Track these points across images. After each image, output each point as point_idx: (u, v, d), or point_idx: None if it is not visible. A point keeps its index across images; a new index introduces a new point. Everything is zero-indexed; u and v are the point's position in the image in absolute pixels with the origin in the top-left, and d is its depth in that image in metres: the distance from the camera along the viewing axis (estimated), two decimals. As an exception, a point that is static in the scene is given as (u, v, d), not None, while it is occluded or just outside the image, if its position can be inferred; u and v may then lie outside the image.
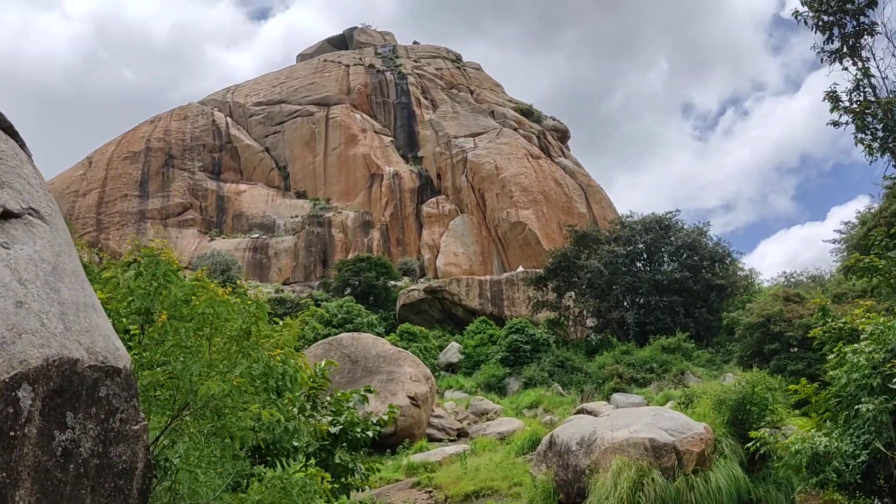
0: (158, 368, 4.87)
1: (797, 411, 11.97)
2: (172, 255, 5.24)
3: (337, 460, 7.66)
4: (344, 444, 8.12)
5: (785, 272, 50.41)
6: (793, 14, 17.15)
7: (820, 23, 16.91)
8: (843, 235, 35.65)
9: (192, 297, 5.10)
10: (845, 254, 33.52)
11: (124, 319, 5.63)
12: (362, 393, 8.37)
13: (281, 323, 6.44)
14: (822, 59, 17.28)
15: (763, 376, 11.60)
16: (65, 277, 3.94)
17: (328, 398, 8.15)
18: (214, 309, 4.78)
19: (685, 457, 10.73)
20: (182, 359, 4.72)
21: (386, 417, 8.21)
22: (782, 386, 11.95)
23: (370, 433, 8.04)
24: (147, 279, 5.18)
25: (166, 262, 5.17)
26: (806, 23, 17.11)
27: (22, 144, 4.20)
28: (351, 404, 8.25)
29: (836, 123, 17.16)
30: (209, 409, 5.12)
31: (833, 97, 16.78)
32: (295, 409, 6.56)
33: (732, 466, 10.64)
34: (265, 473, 6.45)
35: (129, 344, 5.34)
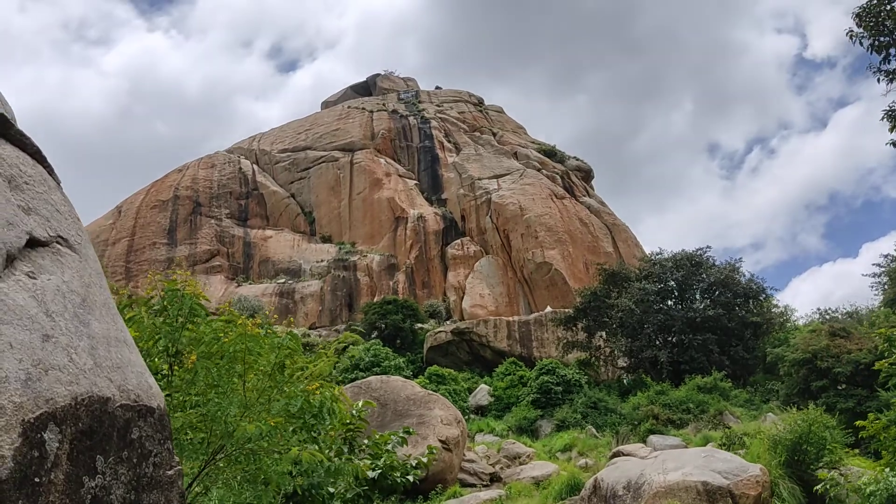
0: (191, 410, 4.58)
1: (855, 451, 11.36)
2: (197, 286, 4.99)
3: (375, 507, 7.29)
4: (381, 490, 7.76)
5: (819, 309, 49.34)
6: (846, 33, 17.07)
7: (876, 43, 16.89)
8: (883, 269, 34.75)
9: (221, 334, 4.84)
10: (887, 286, 32.62)
11: (155, 359, 5.38)
12: (401, 434, 8.02)
13: (314, 355, 6.13)
14: (878, 80, 17.21)
15: (819, 413, 11.00)
16: (95, 310, 3.69)
17: (365, 441, 7.80)
18: (245, 344, 4.50)
19: (741, 501, 10.12)
20: (217, 399, 4.42)
21: (425, 460, 7.82)
22: (837, 425, 11.36)
23: (410, 478, 7.66)
24: (173, 314, 4.93)
25: (191, 295, 4.91)
26: (861, 43, 17.06)
27: (51, 171, 4.00)
28: (389, 447, 7.89)
29: (895, 143, 16.91)
30: (244, 452, 4.81)
31: (892, 116, 16.54)
32: (332, 453, 6.22)
33: (791, 510, 10.05)
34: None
35: (161, 384, 5.08)
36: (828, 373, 20.77)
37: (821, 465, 10.94)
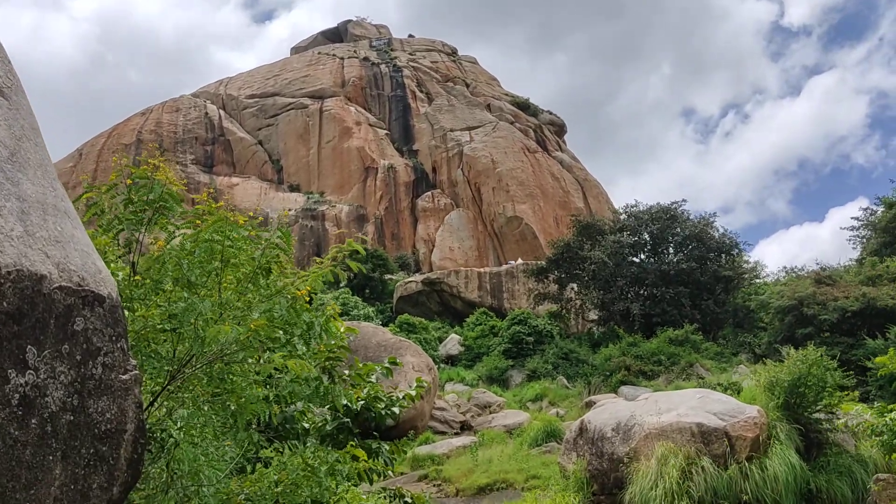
0: (155, 311, 3.81)
1: (854, 394, 10.99)
2: (170, 172, 4.17)
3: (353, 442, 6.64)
4: (360, 426, 7.11)
5: (785, 267, 49.54)
6: None
7: None
8: (863, 223, 34.66)
9: (198, 222, 4.04)
10: (871, 238, 32.58)
11: (111, 264, 4.56)
12: (387, 365, 7.34)
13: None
14: None
15: (820, 355, 10.60)
16: (28, 169, 2.89)
17: (346, 371, 7.11)
18: (226, 234, 3.72)
19: (738, 443, 9.70)
20: (186, 296, 3.66)
21: (413, 392, 7.16)
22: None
23: (396, 409, 7.00)
24: (139, 204, 4.11)
25: (161, 182, 4.10)
26: None
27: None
28: (373, 378, 7.21)
29: None
30: (216, 366, 4.06)
31: None
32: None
33: (789, 454, 9.62)
34: (277, 457, 5.39)
35: (122, 297, 4.25)
36: (813, 320, 20.57)
37: (818, 408, 10.59)
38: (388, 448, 6.86)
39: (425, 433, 22.78)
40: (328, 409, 6.85)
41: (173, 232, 4.11)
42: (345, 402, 6.41)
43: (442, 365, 35.08)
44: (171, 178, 4.01)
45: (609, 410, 11.79)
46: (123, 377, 3.00)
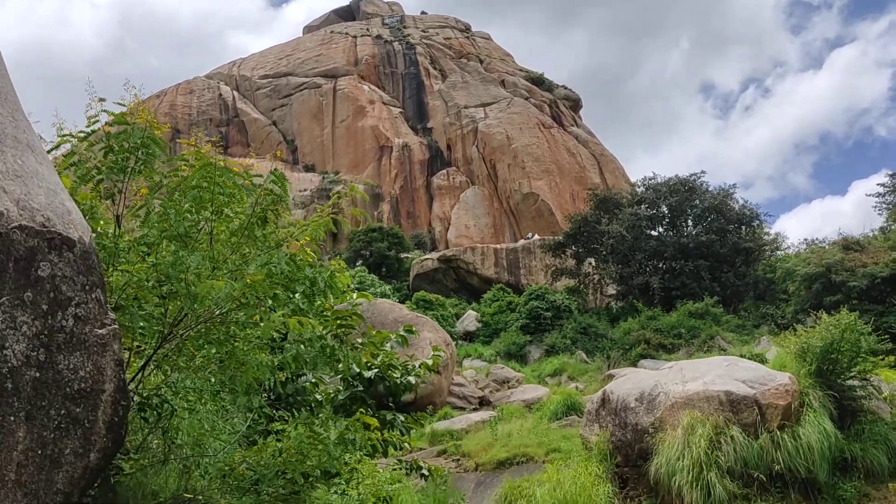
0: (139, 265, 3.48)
1: (889, 359, 10.54)
2: (153, 118, 3.81)
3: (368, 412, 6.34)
4: (374, 396, 6.81)
5: (806, 239, 48.78)
6: None
7: None
8: (888, 188, 33.65)
9: (184, 167, 3.70)
10: None
11: (101, 222, 4.23)
12: (402, 333, 7.02)
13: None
14: None
15: (854, 318, 10.15)
16: (-17, 96, 2.55)
17: (359, 339, 6.78)
18: (214, 178, 3.37)
19: (769, 411, 9.30)
20: (174, 248, 3.33)
21: (430, 361, 6.84)
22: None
23: (412, 379, 6.68)
24: (120, 153, 3.77)
25: (143, 126, 3.75)
26: None
27: None
28: (388, 346, 6.88)
29: None
30: (215, 330, 3.74)
31: None
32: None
33: (823, 422, 9.20)
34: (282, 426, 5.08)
35: (103, 256, 3.91)
36: (842, 286, 19.98)
37: (852, 374, 10.16)
38: (403, 419, 6.55)
39: (443, 408, 22.56)
40: (340, 379, 6.54)
41: (159, 181, 3.77)
42: (354, 367, 6.09)
43: (460, 341, 34.83)
44: (152, 122, 3.66)
45: (632, 380, 11.40)
46: (100, 331, 2.69)
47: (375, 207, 68.41)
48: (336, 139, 75.55)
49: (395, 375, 6.36)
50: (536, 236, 50.49)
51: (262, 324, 3.94)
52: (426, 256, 48.88)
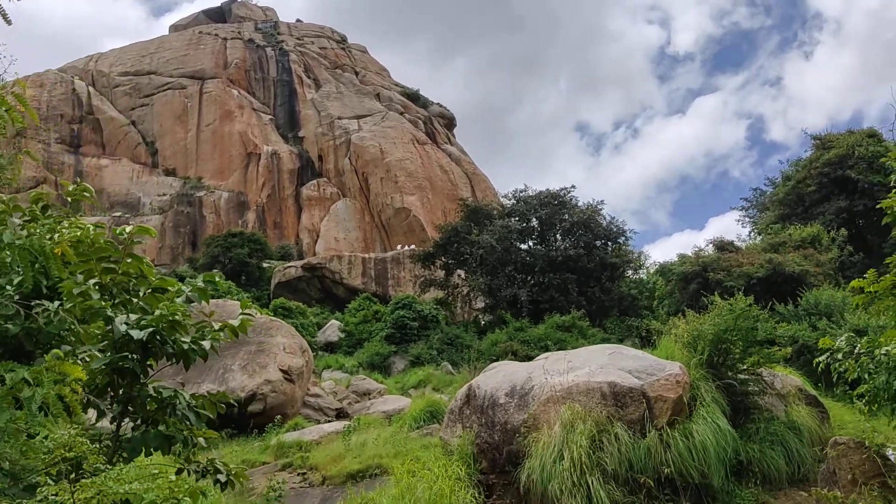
0: None
1: (787, 350, 9.70)
2: None
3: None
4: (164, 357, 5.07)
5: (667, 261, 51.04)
6: None
7: None
8: (751, 203, 35.36)
9: None
10: (768, 211, 33.23)
11: None
12: (199, 285, 5.34)
13: None
14: None
15: (749, 303, 9.25)
16: None
17: (140, 290, 5.04)
18: None
19: (657, 405, 8.17)
20: None
21: (236, 323, 5.16)
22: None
23: (207, 344, 4.99)
24: None
25: None
26: None
27: None
28: (180, 300, 5.16)
29: None
30: None
31: None
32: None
33: (717, 418, 8.22)
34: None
35: None
36: (719, 285, 19.71)
37: (745, 366, 9.19)
38: (189, 400, 4.84)
39: (295, 419, 20.59)
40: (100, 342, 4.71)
41: None
42: (119, 325, 4.35)
43: (320, 352, 32.82)
44: None
45: (503, 372, 9.98)
46: None
47: (241, 216, 65.17)
48: (201, 143, 71.68)
49: (180, 336, 4.64)
50: (407, 246, 49.29)
51: None
52: (289, 264, 46.45)
